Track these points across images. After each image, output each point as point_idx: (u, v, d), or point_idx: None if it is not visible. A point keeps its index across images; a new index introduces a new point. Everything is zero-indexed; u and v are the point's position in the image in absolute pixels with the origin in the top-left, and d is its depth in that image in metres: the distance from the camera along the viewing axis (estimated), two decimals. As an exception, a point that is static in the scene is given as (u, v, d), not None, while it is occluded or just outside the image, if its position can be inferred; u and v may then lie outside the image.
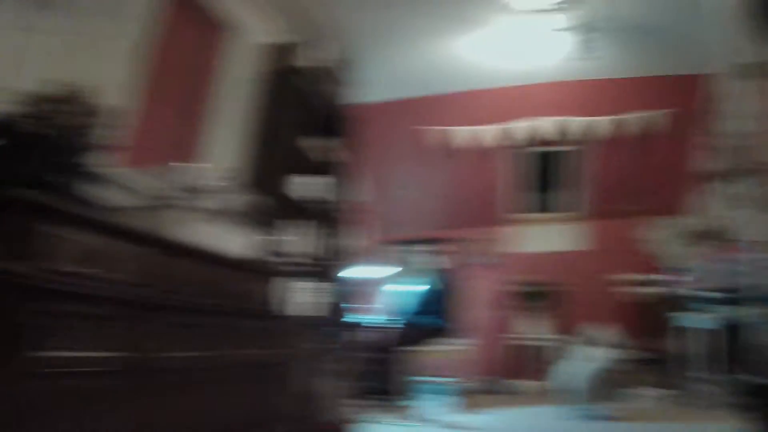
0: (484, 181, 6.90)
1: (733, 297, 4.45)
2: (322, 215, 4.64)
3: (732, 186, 5.63)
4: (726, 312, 4.39)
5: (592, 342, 6.04)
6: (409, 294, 5.81)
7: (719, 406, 4.34)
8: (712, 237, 5.68)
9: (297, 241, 4.35)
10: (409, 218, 7.10)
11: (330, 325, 3.10)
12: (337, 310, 3.15)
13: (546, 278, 6.85)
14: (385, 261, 6.89)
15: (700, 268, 5.40)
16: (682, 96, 6.21)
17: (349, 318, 3.57)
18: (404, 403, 5.25)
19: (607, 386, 4.72)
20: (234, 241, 2.98)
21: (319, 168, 4.58)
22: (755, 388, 2.21)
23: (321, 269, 4.51)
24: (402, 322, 5.57)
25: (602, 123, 6.40)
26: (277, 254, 3.72)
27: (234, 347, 2.74)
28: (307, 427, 3.04)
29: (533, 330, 6.74)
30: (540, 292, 6.72)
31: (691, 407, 4.79)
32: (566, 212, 7.28)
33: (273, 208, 3.88)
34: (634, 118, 6.38)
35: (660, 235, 6.83)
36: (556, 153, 7.02)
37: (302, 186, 4.39)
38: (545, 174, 7.20)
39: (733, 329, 4.41)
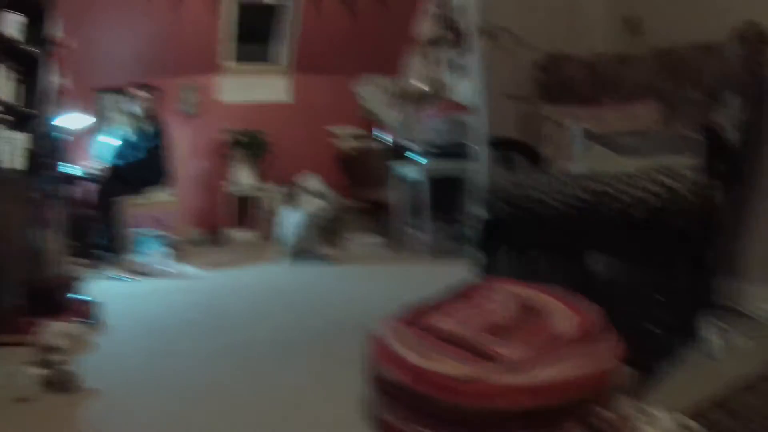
0: (192, 28, 6.40)
1: (438, 151, 4.80)
2: (15, 56, 3.92)
3: (442, 52, 6.00)
4: (432, 165, 4.72)
5: (304, 191, 6.22)
6: (117, 144, 5.37)
7: (430, 252, 4.78)
8: (421, 97, 6.04)
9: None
10: (113, 64, 6.35)
11: (40, 177, 2.73)
12: (43, 162, 2.76)
13: (255, 128, 6.74)
14: (89, 109, 6.19)
15: (408, 125, 5.74)
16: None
17: (57, 170, 3.17)
18: (122, 256, 4.94)
19: (321, 233, 4.93)
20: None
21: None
22: (482, 225, 2.43)
23: (21, 117, 3.94)
24: (110, 173, 5.13)
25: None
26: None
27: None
28: (30, 284, 2.71)
29: (245, 180, 6.69)
30: (250, 143, 6.62)
31: (404, 252, 5.20)
32: (273, 64, 7.08)
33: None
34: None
35: (370, 92, 7.10)
36: (263, 4, 6.73)
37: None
38: (253, 25, 6.85)
39: (438, 180, 4.80)
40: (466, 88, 5.40)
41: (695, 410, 1.57)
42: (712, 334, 2.12)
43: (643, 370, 1.78)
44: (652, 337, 1.78)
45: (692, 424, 1.39)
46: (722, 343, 2.08)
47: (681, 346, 2.05)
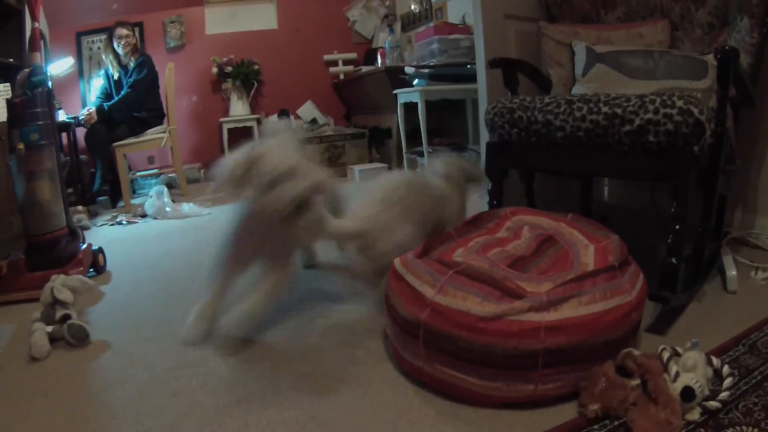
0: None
1: (434, 73, 4.70)
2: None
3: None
4: (428, 87, 4.63)
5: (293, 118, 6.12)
6: (101, 85, 5.26)
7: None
8: (414, 17, 5.89)
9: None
10: (92, 3, 6.17)
11: (25, 128, 2.64)
12: (27, 111, 2.65)
13: (243, 59, 6.61)
14: (70, 52, 6.00)
15: (402, 47, 5.62)
16: None
17: (42, 118, 3.04)
18: (120, 200, 4.90)
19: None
20: None
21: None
22: (487, 149, 2.38)
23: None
24: (98, 115, 4.96)
25: None
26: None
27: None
28: (30, 238, 2.67)
29: (239, 111, 6.60)
30: (239, 72, 6.51)
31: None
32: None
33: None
34: None
35: (361, 15, 6.92)
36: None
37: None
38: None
39: (438, 104, 4.73)
40: (459, 8, 5.28)
41: (718, 347, 1.59)
42: (727, 266, 2.12)
43: (663, 303, 1.79)
44: (671, 269, 1.77)
45: (717, 362, 1.40)
46: (736, 275, 2.08)
47: (697, 279, 2.06)
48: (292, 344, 1.88)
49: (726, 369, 1.40)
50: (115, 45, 5.11)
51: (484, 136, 2.69)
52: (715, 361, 1.43)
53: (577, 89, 2.61)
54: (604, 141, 1.94)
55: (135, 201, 4.96)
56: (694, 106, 1.71)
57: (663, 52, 2.45)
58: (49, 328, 1.98)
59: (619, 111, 1.87)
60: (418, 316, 1.45)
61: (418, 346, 1.46)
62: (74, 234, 2.91)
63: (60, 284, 2.11)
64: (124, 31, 5.10)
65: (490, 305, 1.36)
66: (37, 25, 3.62)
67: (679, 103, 1.73)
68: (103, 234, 3.94)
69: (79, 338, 1.96)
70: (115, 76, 5.16)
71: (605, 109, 1.91)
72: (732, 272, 2.09)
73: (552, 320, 1.33)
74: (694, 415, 1.28)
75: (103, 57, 5.27)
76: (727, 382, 1.36)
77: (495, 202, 2.38)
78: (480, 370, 1.37)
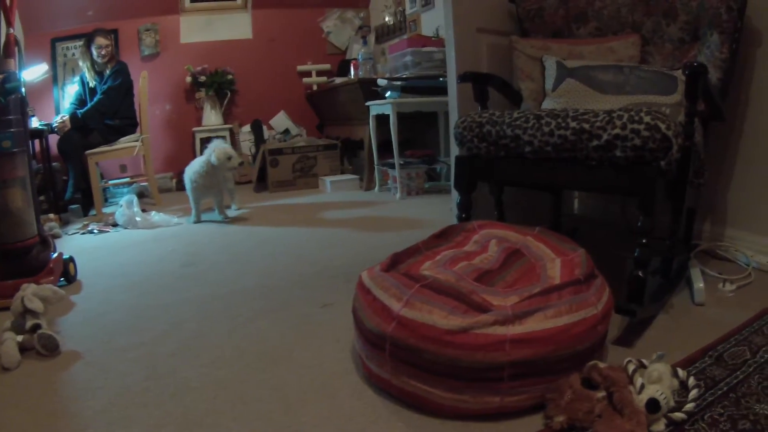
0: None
1: (406, 86, 4.72)
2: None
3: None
4: (400, 100, 4.64)
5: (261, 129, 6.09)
6: (75, 91, 5.22)
7: (402, 189, 4.77)
8: (387, 30, 5.91)
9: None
10: (68, 9, 6.07)
11: (6, 132, 2.60)
12: (6, 116, 2.61)
13: (217, 68, 6.59)
14: (45, 58, 5.93)
15: (375, 59, 5.63)
16: None
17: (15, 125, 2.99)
18: (92, 208, 4.84)
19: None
20: None
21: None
22: (457, 161, 2.38)
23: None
24: (72, 123, 4.91)
25: None
26: None
27: None
28: (4, 247, 2.62)
29: (212, 120, 6.56)
30: (213, 81, 6.48)
31: (376, 190, 5.23)
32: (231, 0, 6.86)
33: None
34: None
35: (335, 27, 6.93)
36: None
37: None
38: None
39: (410, 116, 4.75)
40: (432, 21, 5.32)
41: (685, 359, 1.60)
42: (695, 278, 2.15)
43: (630, 316, 1.80)
44: (638, 282, 1.79)
45: (683, 374, 1.41)
46: (704, 287, 2.10)
47: (665, 291, 2.08)
48: (260, 355, 1.87)
49: (692, 380, 1.42)
50: (95, 54, 5.06)
51: (455, 149, 2.70)
52: (681, 372, 1.45)
53: (547, 104, 2.63)
54: (572, 155, 1.95)
55: (107, 210, 4.90)
56: (661, 122, 1.73)
57: (633, 68, 2.48)
58: (20, 338, 1.95)
59: (587, 126, 1.88)
60: (384, 329, 1.44)
61: (385, 358, 1.45)
62: (45, 242, 2.86)
63: (31, 293, 2.08)
64: (103, 41, 5.05)
65: (456, 318, 1.36)
66: (11, 30, 3.58)
67: (647, 119, 1.75)
68: (74, 243, 3.88)
69: (50, 348, 1.93)
70: (91, 84, 5.11)
71: (573, 124, 1.92)
72: (699, 284, 2.11)
73: (517, 333, 1.33)
74: (660, 426, 1.28)
75: (80, 63, 5.22)
76: (693, 393, 1.37)
77: (464, 215, 2.38)
78: (446, 383, 1.36)
